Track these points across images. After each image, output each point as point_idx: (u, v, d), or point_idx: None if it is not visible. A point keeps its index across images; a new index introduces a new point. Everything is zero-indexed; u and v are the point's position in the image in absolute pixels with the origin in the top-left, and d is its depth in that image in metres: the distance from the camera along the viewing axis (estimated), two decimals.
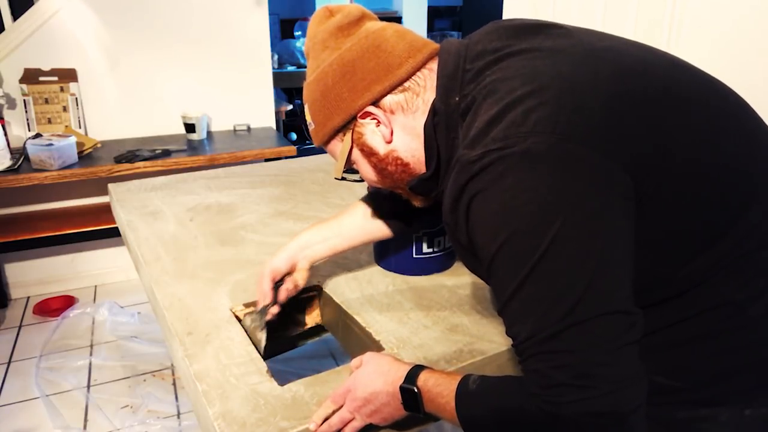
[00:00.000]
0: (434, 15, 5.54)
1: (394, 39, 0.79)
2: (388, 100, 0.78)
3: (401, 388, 0.75)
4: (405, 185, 0.84)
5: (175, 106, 2.72)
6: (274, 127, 3.00)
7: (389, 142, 0.80)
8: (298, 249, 1.04)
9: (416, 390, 0.74)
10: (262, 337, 1.01)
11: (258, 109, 2.94)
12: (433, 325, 1.01)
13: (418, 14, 4.59)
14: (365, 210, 1.07)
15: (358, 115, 0.79)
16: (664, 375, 0.70)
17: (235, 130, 2.88)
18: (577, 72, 0.67)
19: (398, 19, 4.51)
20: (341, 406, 0.80)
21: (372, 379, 0.78)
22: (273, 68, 2.98)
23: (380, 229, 1.07)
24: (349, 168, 0.87)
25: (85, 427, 1.86)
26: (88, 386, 2.05)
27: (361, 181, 0.88)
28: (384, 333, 0.99)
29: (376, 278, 1.18)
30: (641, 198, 0.63)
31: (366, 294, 1.12)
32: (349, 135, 0.82)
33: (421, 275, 1.18)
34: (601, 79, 0.67)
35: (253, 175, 1.83)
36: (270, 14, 2.91)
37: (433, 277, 1.18)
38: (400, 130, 0.80)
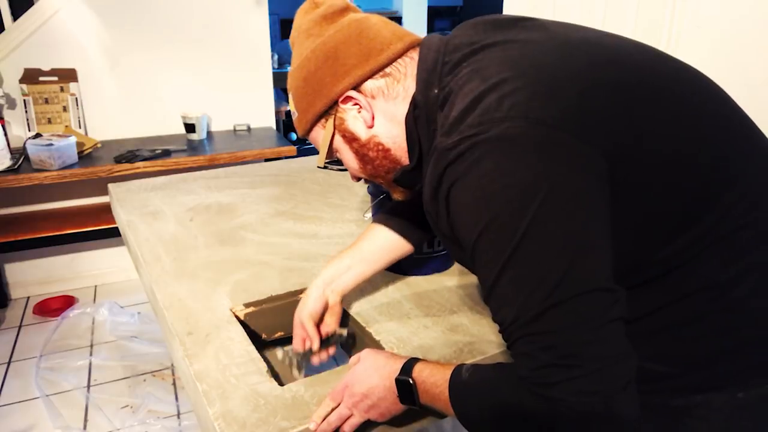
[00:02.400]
0: (434, 15, 5.54)
1: (377, 27, 0.80)
2: (369, 85, 0.79)
3: (397, 380, 0.76)
4: (385, 173, 0.84)
5: (175, 106, 2.72)
6: (274, 127, 3.00)
7: (370, 127, 0.81)
8: (324, 286, 1.01)
9: (411, 381, 0.74)
10: (299, 376, 1.01)
11: (258, 109, 2.94)
12: (433, 325, 1.01)
13: (418, 14, 4.59)
14: (381, 230, 1.05)
15: (340, 99, 0.80)
16: (654, 360, 0.70)
17: (235, 130, 2.88)
18: (551, 60, 0.68)
19: (398, 20, 4.51)
20: (340, 403, 0.80)
21: (369, 374, 0.79)
22: (273, 68, 2.98)
23: (401, 245, 1.05)
24: (332, 159, 0.88)
25: (85, 427, 1.86)
26: (88, 386, 2.05)
27: (344, 170, 0.88)
28: (384, 333, 0.99)
29: (376, 278, 1.18)
30: (616, 182, 0.64)
31: (366, 294, 1.12)
32: (331, 121, 0.82)
33: (421, 275, 1.18)
34: (575, 68, 0.68)
35: (253, 175, 1.83)
36: (270, 14, 2.91)
37: (433, 277, 1.18)
38: (381, 116, 0.80)
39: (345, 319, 1.08)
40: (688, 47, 1.44)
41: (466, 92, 0.68)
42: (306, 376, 0.89)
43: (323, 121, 0.83)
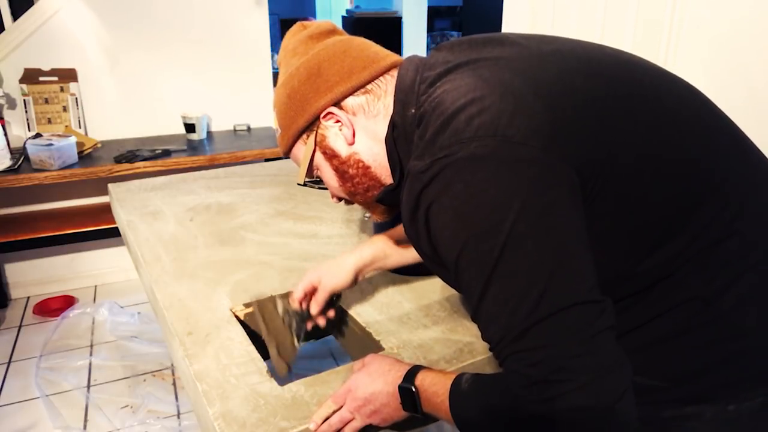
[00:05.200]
0: (434, 15, 5.55)
1: (362, 47, 0.83)
2: (350, 102, 0.80)
3: (399, 387, 0.76)
4: (365, 191, 0.85)
5: (175, 106, 2.72)
6: (274, 127, 2.99)
7: (351, 144, 0.82)
8: (362, 266, 1.01)
9: (414, 389, 0.74)
10: (297, 345, 1.00)
11: (258, 109, 2.94)
12: (433, 325, 1.02)
13: (418, 14, 4.59)
14: None
15: (321, 115, 0.81)
16: (644, 375, 0.70)
17: (235, 130, 2.88)
18: (518, 76, 0.68)
19: (398, 20, 4.51)
20: (342, 406, 0.80)
21: (372, 379, 0.79)
22: (273, 68, 2.98)
23: None
24: (313, 178, 0.89)
25: (85, 427, 1.86)
26: (88, 386, 2.05)
27: (325, 188, 0.91)
28: (384, 333, 0.99)
29: (376, 278, 1.18)
30: (590, 195, 0.64)
31: (366, 294, 1.12)
32: (312, 137, 0.84)
33: (421, 275, 1.18)
34: (544, 82, 0.68)
35: (253, 175, 1.83)
36: (270, 14, 2.91)
37: (433, 277, 1.18)
38: (362, 133, 0.81)
39: (344, 316, 1.08)
40: (688, 47, 1.44)
41: (437, 114, 0.69)
42: (301, 376, 0.89)
43: (305, 137, 0.85)
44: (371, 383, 0.78)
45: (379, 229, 1.20)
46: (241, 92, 2.86)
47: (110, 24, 2.52)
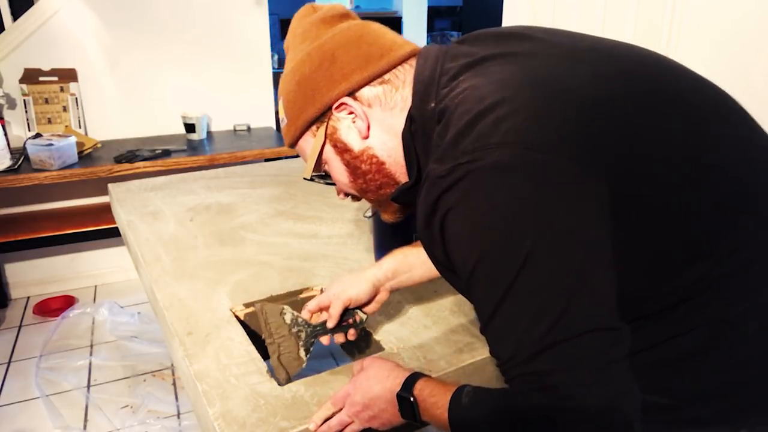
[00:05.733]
0: (434, 15, 5.54)
1: (378, 32, 0.77)
2: (366, 92, 0.75)
3: (398, 395, 0.74)
4: (377, 188, 0.80)
5: (175, 106, 2.72)
6: (274, 127, 3.00)
7: (365, 138, 0.77)
8: (383, 280, 0.93)
9: (412, 399, 0.72)
10: (302, 358, 0.92)
11: (258, 109, 2.94)
12: (433, 325, 1.01)
13: (418, 14, 4.59)
14: None
15: (334, 106, 0.76)
16: (657, 393, 0.67)
17: (235, 130, 2.88)
18: (552, 77, 0.64)
19: (398, 20, 4.50)
20: (341, 409, 0.80)
21: (371, 384, 0.77)
22: (273, 68, 2.98)
23: None
24: (320, 172, 0.83)
25: (85, 427, 1.86)
26: (88, 386, 2.05)
27: (332, 184, 0.85)
28: (384, 333, 0.99)
29: None
30: (621, 209, 0.60)
31: None
32: (322, 129, 0.78)
33: None
34: (578, 83, 0.64)
35: (253, 175, 1.83)
36: (270, 14, 2.90)
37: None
38: (378, 127, 0.76)
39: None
40: (688, 47, 1.44)
41: (461, 113, 0.64)
42: (306, 369, 0.89)
43: (314, 128, 0.79)
44: (369, 389, 0.77)
45: (379, 228, 1.20)
46: (241, 92, 2.86)
47: (110, 24, 2.52)
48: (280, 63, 4.45)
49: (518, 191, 0.58)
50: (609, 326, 0.58)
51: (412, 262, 0.94)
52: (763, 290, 0.64)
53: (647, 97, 0.65)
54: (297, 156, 2.47)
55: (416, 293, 1.12)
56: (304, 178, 0.84)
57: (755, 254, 0.64)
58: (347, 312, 0.93)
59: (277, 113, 3.06)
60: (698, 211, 0.62)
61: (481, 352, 0.94)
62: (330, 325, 0.92)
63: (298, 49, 0.78)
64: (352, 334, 0.95)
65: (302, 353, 0.91)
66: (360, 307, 0.94)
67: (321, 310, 0.94)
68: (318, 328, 0.92)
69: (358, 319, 0.94)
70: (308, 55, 0.76)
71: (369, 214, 1.43)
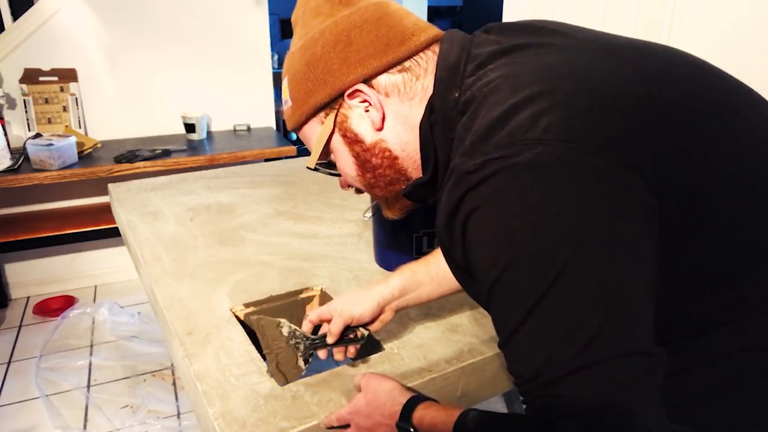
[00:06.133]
0: (434, 15, 5.54)
1: (399, 14, 0.70)
2: (384, 80, 0.68)
3: (397, 426, 0.71)
4: (386, 184, 0.74)
5: (175, 106, 2.72)
6: (274, 127, 3.00)
7: (379, 130, 0.70)
8: (389, 299, 0.87)
9: (412, 430, 0.69)
10: (301, 367, 0.89)
11: (258, 109, 2.94)
12: (433, 325, 1.01)
13: (418, 14, 4.57)
14: None
15: (347, 93, 0.69)
16: (679, 422, 0.59)
17: (235, 130, 2.88)
18: (594, 70, 0.58)
19: None
20: (349, 425, 0.78)
21: (370, 411, 0.75)
22: (273, 68, 2.98)
23: None
24: (325, 161, 0.77)
25: (85, 427, 1.86)
26: (88, 386, 2.05)
27: (338, 175, 0.79)
28: (384, 333, 0.99)
29: (377, 278, 1.18)
30: (666, 220, 0.54)
31: None
32: (331, 117, 0.71)
33: None
34: (621, 80, 0.58)
35: (253, 175, 1.83)
36: (270, 14, 2.91)
37: None
38: (393, 118, 0.69)
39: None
40: (688, 47, 1.43)
41: (492, 103, 0.58)
42: (306, 375, 0.89)
43: (322, 115, 0.72)
44: (370, 415, 0.75)
45: (379, 228, 1.20)
46: (241, 92, 2.86)
47: (110, 24, 2.52)
48: (280, 63, 4.45)
49: (556, 195, 0.52)
50: (646, 351, 0.52)
51: (421, 279, 0.88)
52: None
53: (697, 103, 0.59)
54: (297, 156, 2.47)
55: None
56: (308, 168, 0.78)
57: None
58: (348, 328, 0.89)
59: (277, 113, 3.06)
60: (742, 229, 0.58)
61: (482, 352, 0.94)
62: (330, 341, 0.88)
63: (310, 26, 0.71)
64: (351, 352, 0.90)
65: (300, 363, 0.89)
66: (363, 325, 0.90)
67: (321, 322, 0.90)
68: (317, 341, 0.89)
69: (359, 335, 0.90)
70: (321, 33, 0.69)
71: (369, 215, 1.43)
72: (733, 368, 0.60)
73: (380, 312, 0.88)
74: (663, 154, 0.54)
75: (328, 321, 0.88)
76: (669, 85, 0.59)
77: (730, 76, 0.66)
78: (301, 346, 0.90)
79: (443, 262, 0.84)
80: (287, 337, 0.91)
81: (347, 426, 0.79)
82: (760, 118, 0.63)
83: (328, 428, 0.80)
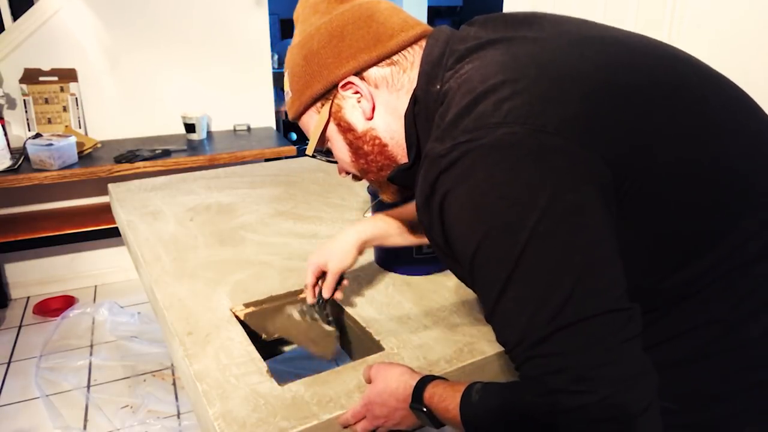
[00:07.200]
0: (434, 15, 5.55)
1: (388, 12, 0.76)
2: (373, 73, 0.74)
3: (411, 407, 0.74)
4: (378, 169, 0.80)
5: (175, 106, 2.72)
6: (274, 127, 3.00)
7: (369, 119, 0.76)
8: (363, 243, 0.99)
9: (425, 409, 0.72)
10: (331, 329, 1.00)
11: (258, 109, 2.94)
12: (433, 325, 1.01)
13: (418, 14, 4.59)
14: None
15: (340, 84, 0.75)
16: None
17: (235, 130, 2.88)
18: (557, 60, 0.63)
19: None
20: (364, 417, 0.80)
21: (384, 399, 0.78)
22: (273, 68, 2.98)
23: None
24: (322, 148, 0.84)
25: (85, 427, 1.86)
26: (88, 386, 2.05)
27: (335, 162, 0.86)
28: (384, 333, 0.99)
29: (376, 278, 1.18)
30: (622, 197, 0.59)
31: (366, 294, 1.12)
32: (327, 107, 0.77)
33: (421, 275, 1.18)
34: (584, 69, 0.63)
35: (253, 175, 1.83)
36: (270, 14, 2.91)
37: (433, 277, 1.18)
38: (382, 108, 0.75)
39: (343, 315, 1.08)
40: (688, 47, 1.43)
41: (463, 93, 0.64)
42: (302, 376, 0.89)
43: (318, 105, 0.78)
44: (384, 403, 0.78)
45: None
46: (241, 92, 2.86)
47: (110, 24, 2.52)
48: (280, 63, 4.45)
49: (520, 169, 0.57)
50: (620, 307, 0.56)
51: (390, 229, 1.01)
52: (766, 292, 0.63)
53: (656, 89, 0.63)
54: (297, 156, 2.48)
55: (416, 293, 1.12)
56: (306, 155, 0.85)
57: (757, 255, 0.62)
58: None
59: (277, 113, 3.06)
60: (701, 207, 0.61)
61: (482, 351, 0.94)
62: (327, 295, 1.00)
63: (308, 23, 0.77)
64: (338, 295, 1.03)
65: (328, 327, 1.00)
66: None
67: (317, 281, 1.01)
68: (320, 301, 1.01)
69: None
70: (317, 29, 0.75)
71: (369, 215, 1.43)
72: (700, 342, 0.64)
73: (358, 255, 1.00)
74: (618, 135, 0.59)
75: (321, 285, 1.00)
76: (630, 73, 0.64)
77: (713, 71, 0.70)
78: (317, 316, 1.01)
79: (413, 217, 0.94)
80: (301, 318, 1.01)
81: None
82: (734, 108, 0.67)
83: (345, 427, 0.81)
